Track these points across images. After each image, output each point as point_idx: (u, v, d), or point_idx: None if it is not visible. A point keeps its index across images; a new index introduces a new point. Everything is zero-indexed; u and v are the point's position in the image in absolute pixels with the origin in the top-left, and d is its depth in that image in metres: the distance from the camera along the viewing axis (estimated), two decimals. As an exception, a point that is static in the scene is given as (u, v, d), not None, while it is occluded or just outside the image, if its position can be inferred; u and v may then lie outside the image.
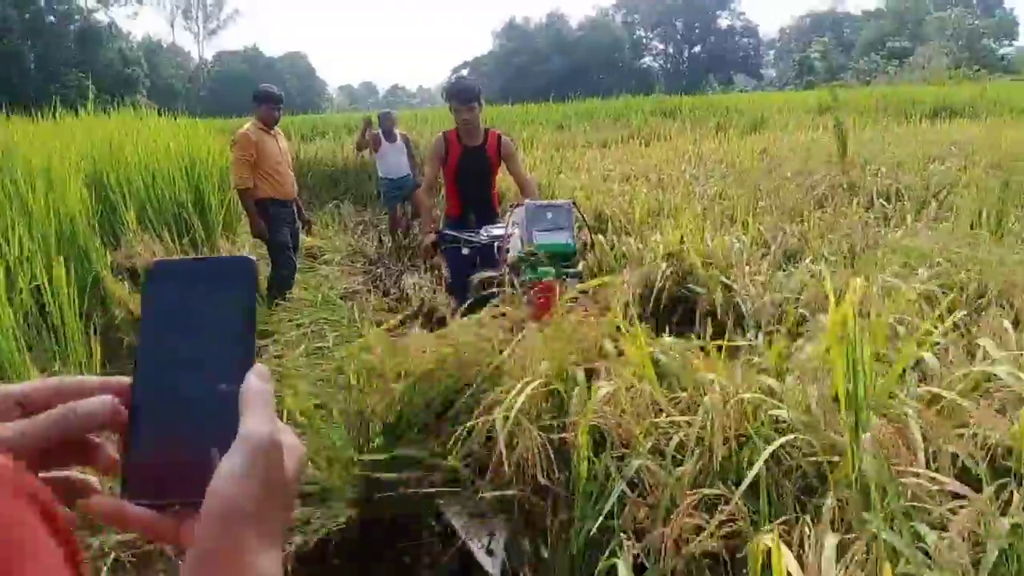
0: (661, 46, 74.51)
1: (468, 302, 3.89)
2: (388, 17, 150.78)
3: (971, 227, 3.61)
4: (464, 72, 65.89)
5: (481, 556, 1.93)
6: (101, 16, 48.69)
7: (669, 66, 73.73)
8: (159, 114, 7.72)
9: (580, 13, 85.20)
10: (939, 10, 56.89)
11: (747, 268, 3.24)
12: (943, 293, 2.63)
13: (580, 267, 3.56)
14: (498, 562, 1.90)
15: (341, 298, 6.18)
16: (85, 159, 4.02)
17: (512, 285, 3.16)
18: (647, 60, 74.10)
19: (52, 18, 44.56)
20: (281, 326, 5.16)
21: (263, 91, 5.29)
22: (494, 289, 3.24)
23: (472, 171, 4.40)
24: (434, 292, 6.53)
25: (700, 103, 17.73)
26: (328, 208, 10.90)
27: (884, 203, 5.16)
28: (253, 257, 0.56)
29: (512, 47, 66.09)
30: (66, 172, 3.49)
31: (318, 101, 67.88)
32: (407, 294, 6.45)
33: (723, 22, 72.39)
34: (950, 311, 2.23)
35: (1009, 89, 19.04)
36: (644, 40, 73.60)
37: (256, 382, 0.52)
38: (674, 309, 3.45)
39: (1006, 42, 59.19)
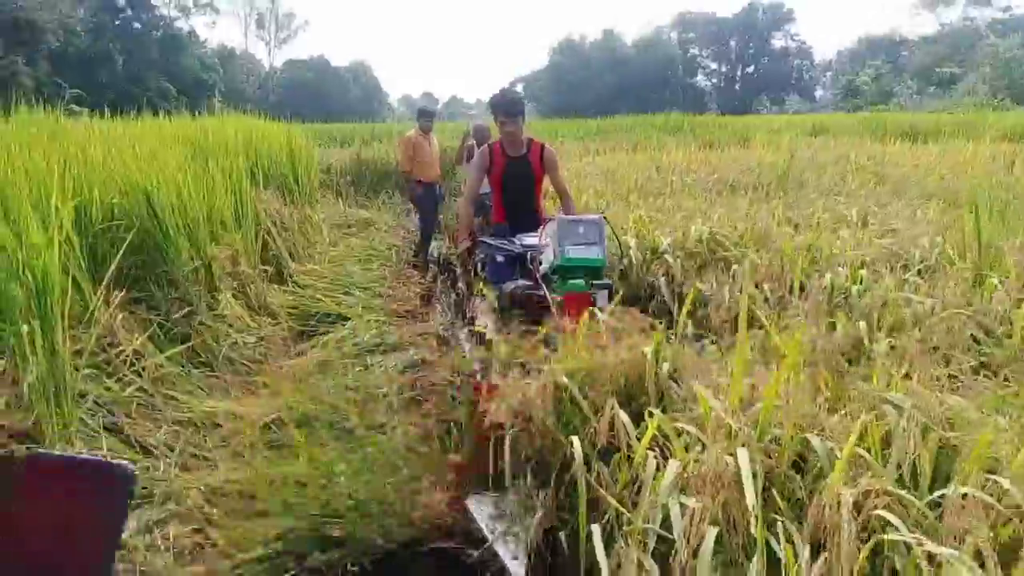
0: (714, 65, 76.10)
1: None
2: (448, 31, 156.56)
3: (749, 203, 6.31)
4: (519, 86, 68.91)
5: (507, 560, 2.00)
6: (182, 24, 51.55)
7: (723, 85, 75.31)
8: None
9: (635, 31, 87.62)
10: (999, 37, 56.71)
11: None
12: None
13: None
14: (522, 566, 1.97)
15: (387, 248, 9.11)
16: (242, 142, 6.99)
17: (542, 298, 3.40)
18: (700, 79, 75.94)
19: (138, 25, 47.47)
20: (345, 259, 8.07)
21: (420, 109, 9.04)
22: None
23: (517, 180, 4.52)
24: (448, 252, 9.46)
25: (702, 123, 20.33)
26: (381, 197, 14.00)
27: (747, 193, 7.80)
28: (131, 465, 0.52)
29: (567, 63, 68.66)
30: (235, 149, 6.47)
31: (379, 109, 71.18)
32: (432, 254, 9.36)
33: (777, 43, 73.48)
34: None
35: (997, 117, 20.89)
36: (698, 59, 75.44)
37: None
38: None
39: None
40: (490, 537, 2.10)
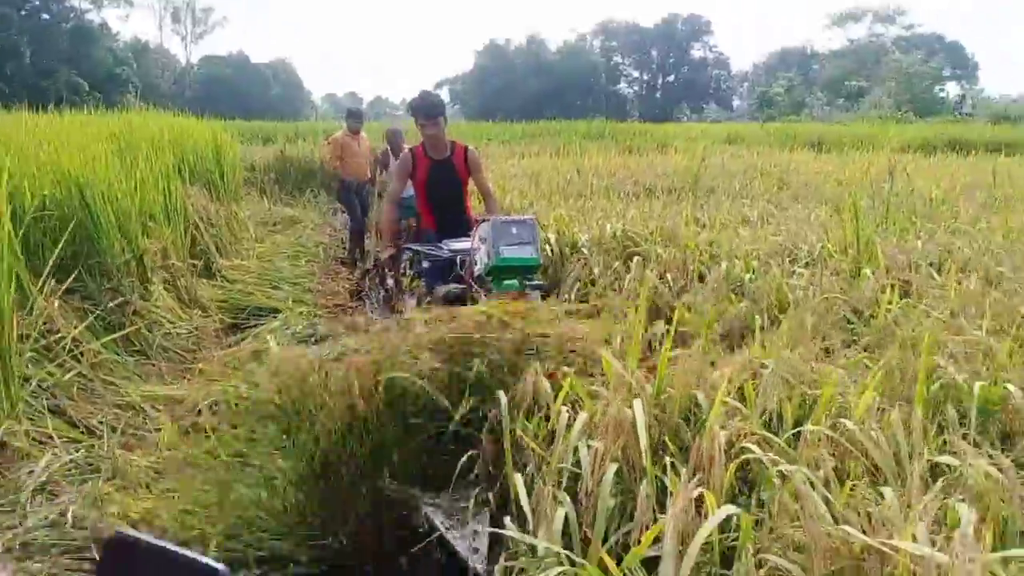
0: (636, 73, 77.88)
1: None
2: (373, 30, 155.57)
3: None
4: (445, 88, 69.01)
5: (467, 553, 2.06)
6: (93, 16, 49.40)
7: (644, 92, 77.04)
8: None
9: (559, 37, 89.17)
10: (903, 53, 59.47)
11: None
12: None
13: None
14: (483, 558, 2.02)
15: (315, 245, 9.23)
16: (169, 139, 7.02)
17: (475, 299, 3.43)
18: (623, 86, 77.54)
19: (47, 16, 45.52)
20: (273, 255, 8.16)
21: (348, 110, 9.44)
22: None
23: (442, 182, 4.43)
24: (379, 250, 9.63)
25: (623, 130, 21.08)
26: (307, 195, 14.01)
27: (661, 196, 8.26)
28: (224, 568, 0.51)
29: (492, 67, 69.09)
30: (161, 145, 6.50)
31: (302, 108, 69.89)
32: (368, 252, 9.50)
33: (696, 53, 75.66)
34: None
35: (899, 130, 22.26)
36: (620, 67, 77.01)
37: None
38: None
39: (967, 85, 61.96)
40: (448, 536, 2.14)
